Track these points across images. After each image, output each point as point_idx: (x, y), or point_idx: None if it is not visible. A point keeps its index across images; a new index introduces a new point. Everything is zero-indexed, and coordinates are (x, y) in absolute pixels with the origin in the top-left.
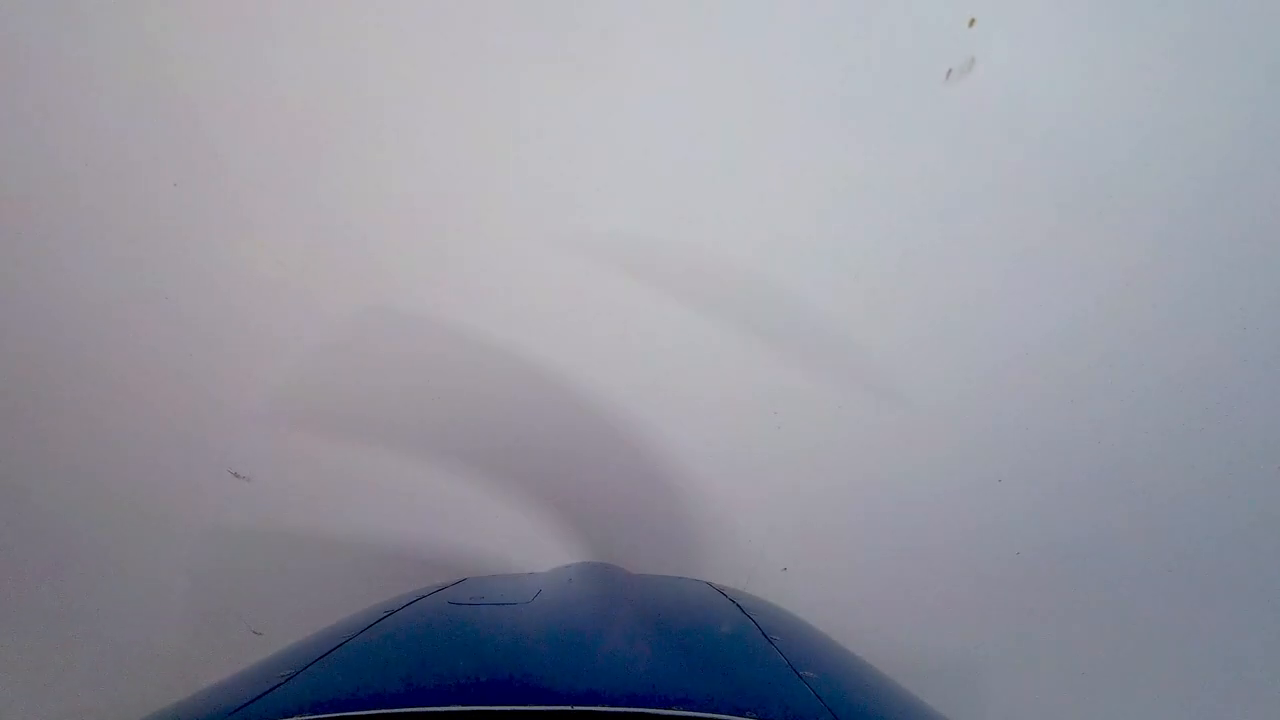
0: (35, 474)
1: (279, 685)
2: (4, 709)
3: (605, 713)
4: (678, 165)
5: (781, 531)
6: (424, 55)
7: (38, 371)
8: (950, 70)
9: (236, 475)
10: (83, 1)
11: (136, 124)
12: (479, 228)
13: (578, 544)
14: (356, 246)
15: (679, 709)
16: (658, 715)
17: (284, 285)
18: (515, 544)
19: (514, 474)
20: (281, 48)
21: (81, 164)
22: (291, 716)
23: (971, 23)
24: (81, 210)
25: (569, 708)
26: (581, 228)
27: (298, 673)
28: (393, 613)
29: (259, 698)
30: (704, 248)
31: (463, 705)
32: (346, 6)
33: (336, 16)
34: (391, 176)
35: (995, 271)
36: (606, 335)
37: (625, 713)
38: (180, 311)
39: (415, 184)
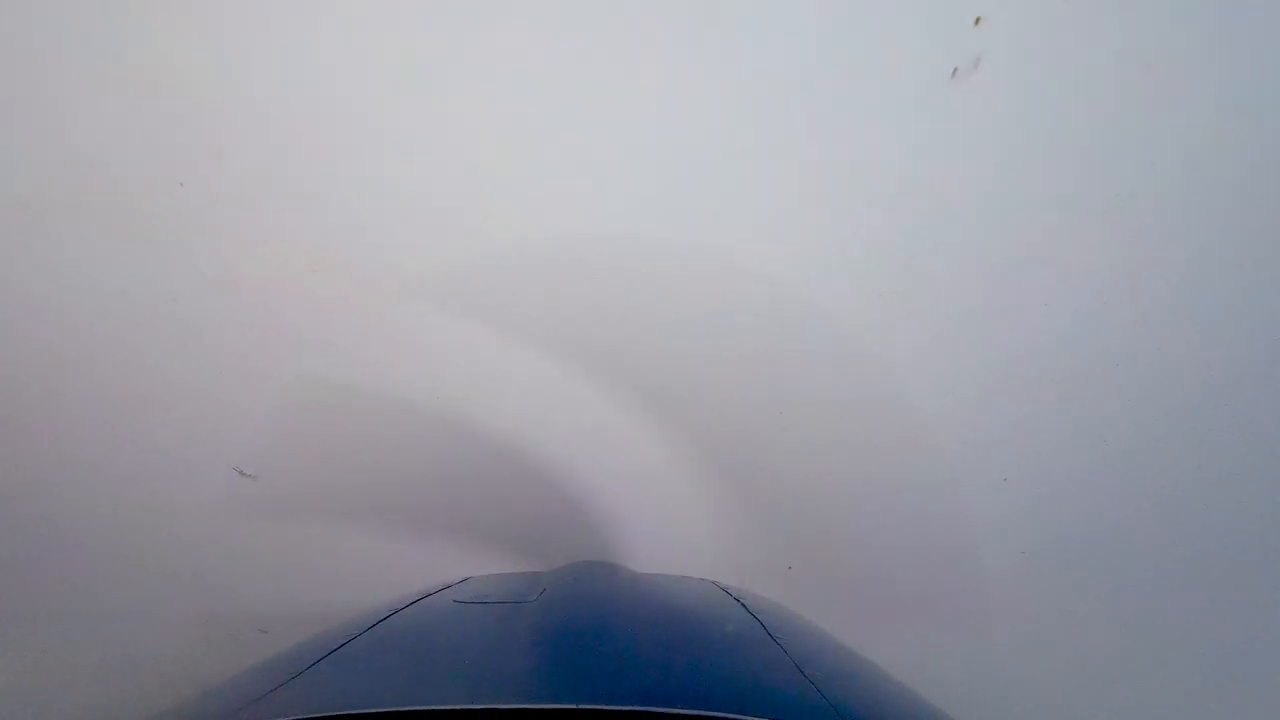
0: (39, 472)
1: (284, 684)
2: (9, 710)
3: (610, 711)
4: (678, 165)
5: (786, 530)
6: (434, 55)
7: (40, 371)
8: (956, 69)
9: (242, 473)
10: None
11: (141, 123)
12: (488, 226)
13: (582, 543)
14: (366, 246)
15: (684, 708)
16: (663, 714)
17: (291, 283)
18: (519, 543)
19: (519, 473)
20: (289, 46)
21: (86, 162)
22: (297, 715)
23: (978, 21)
24: (85, 209)
25: (574, 706)
26: (584, 228)
27: (303, 671)
28: (397, 611)
29: (264, 696)
30: (709, 249)
31: (468, 704)
32: (353, 6)
33: (343, 16)
34: (401, 175)
35: (1000, 270)
36: (611, 335)
37: (630, 711)
38: (186, 309)
39: (425, 182)
